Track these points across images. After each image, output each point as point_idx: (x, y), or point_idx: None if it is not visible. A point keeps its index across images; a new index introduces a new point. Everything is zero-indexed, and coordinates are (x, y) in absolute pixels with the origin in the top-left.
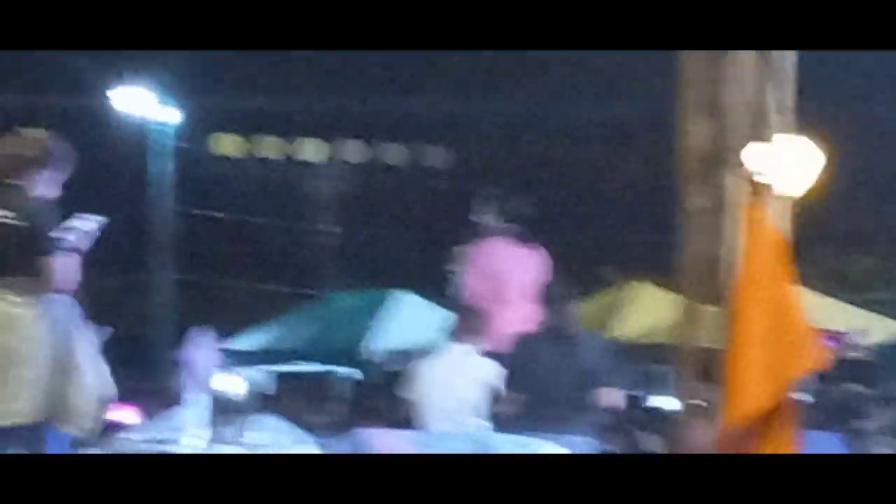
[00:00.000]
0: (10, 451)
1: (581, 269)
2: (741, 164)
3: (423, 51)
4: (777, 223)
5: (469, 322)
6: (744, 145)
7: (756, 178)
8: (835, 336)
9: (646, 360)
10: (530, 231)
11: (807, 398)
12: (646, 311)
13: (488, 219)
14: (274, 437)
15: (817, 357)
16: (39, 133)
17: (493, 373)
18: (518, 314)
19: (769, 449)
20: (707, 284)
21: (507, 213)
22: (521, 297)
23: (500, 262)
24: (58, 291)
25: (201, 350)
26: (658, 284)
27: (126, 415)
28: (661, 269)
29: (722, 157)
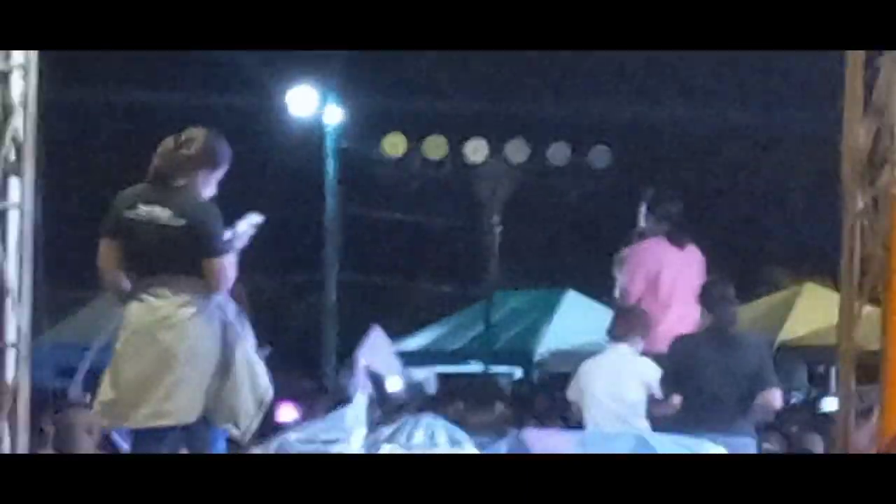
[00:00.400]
0: (169, 450)
1: (747, 271)
2: None
3: (581, 51)
4: None
5: (630, 323)
6: None
7: None
8: None
9: (810, 362)
10: (687, 232)
11: None
12: (811, 312)
13: (646, 220)
14: (433, 437)
15: None
16: (200, 132)
17: (654, 374)
18: (677, 315)
19: None
20: (868, 285)
21: (663, 214)
22: (680, 298)
23: (658, 263)
24: (218, 292)
25: (376, 350)
26: (823, 285)
27: (287, 414)
28: (826, 271)
29: (884, 158)
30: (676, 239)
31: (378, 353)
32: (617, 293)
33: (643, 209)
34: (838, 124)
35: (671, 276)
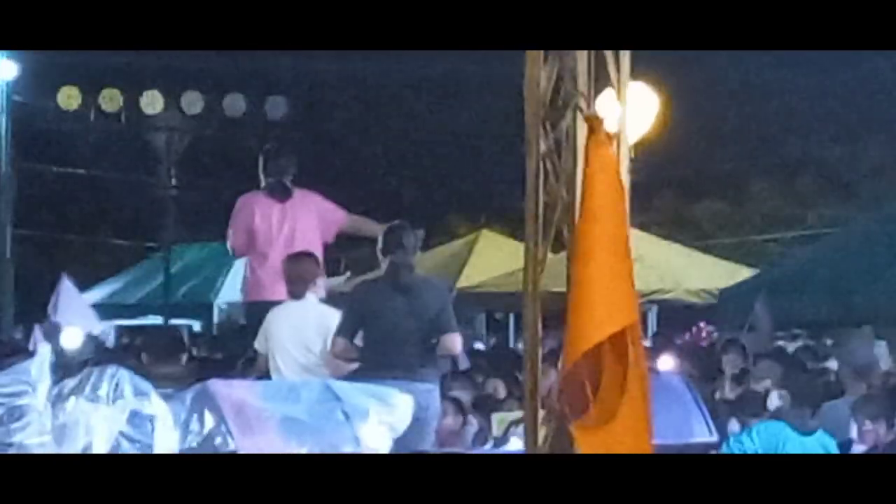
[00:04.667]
0: None
1: (425, 218)
2: (582, 108)
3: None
4: (618, 166)
5: (298, 270)
6: (585, 90)
7: (596, 122)
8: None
9: (488, 308)
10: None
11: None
12: (488, 259)
13: (263, 175)
14: (118, 388)
15: (633, 311)
16: None
17: (335, 322)
18: (275, 264)
19: (612, 393)
20: (549, 229)
21: (274, 169)
22: (281, 246)
23: (251, 215)
24: None
25: (68, 304)
26: (500, 232)
27: None
28: (502, 218)
29: (565, 101)
30: (275, 191)
31: (70, 305)
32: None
33: (260, 165)
34: (521, 67)
35: (265, 227)
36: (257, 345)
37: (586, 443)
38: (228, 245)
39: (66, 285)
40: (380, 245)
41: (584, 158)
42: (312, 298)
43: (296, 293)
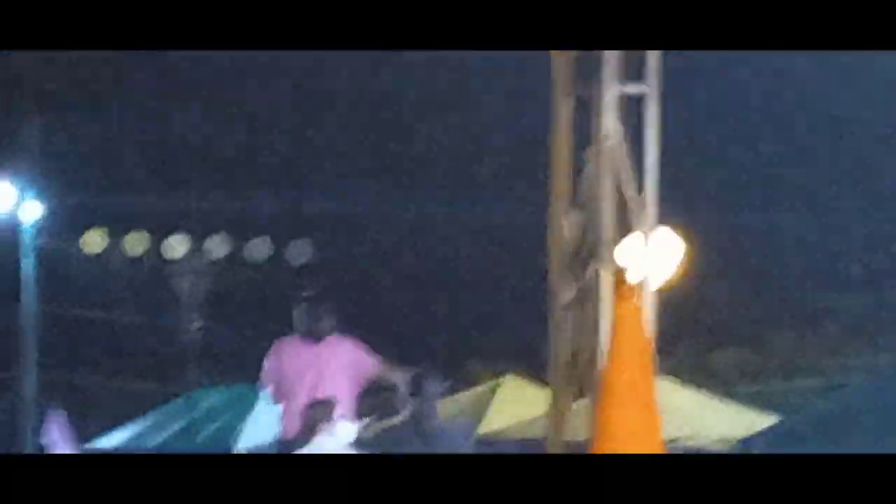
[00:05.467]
0: None
1: (448, 364)
2: (608, 257)
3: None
4: (642, 315)
5: (315, 416)
6: (609, 238)
7: (621, 270)
8: None
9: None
10: (356, 329)
11: None
12: (511, 404)
13: (298, 317)
14: None
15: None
16: None
17: None
18: (302, 405)
19: None
20: (574, 376)
21: (309, 315)
22: (307, 389)
23: (283, 357)
24: None
25: (57, 433)
26: (524, 377)
27: None
28: (527, 364)
29: (590, 251)
30: (310, 336)
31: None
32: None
33: (296, 311)
34: (545, 217)
35: (294, 371)
36: None
37: None
38: (261, 387)
39: (56, 416)
40: (402, 391)
41: (612, 312)
42: (329, 443)
43: (310, 438)
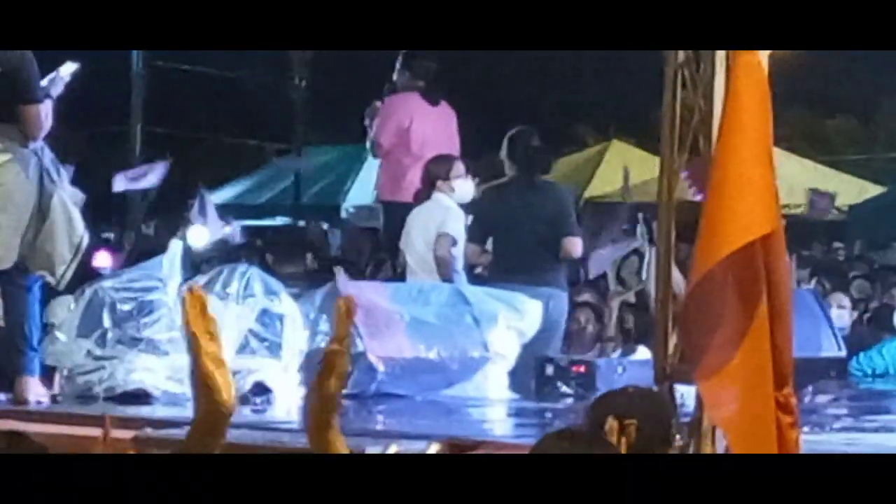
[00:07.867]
0: None
1: (555, 127)
2: None
3: None
4: (764, 75)
5: (436, 170)
6: None
7: None
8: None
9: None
10: (441, 91)
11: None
12: (618, 169)
13: (400, 75)
14: (248, 286)
15: (775, 220)
16: None
17: (460, 225)
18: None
19: (731, 334)
20: (686, 137)
21: (419, 70)
22: (433, 152)
23: (409, 116)
24: (34, 139)
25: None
26: (630, 143)
27: (103, 260)
28: (633, 129)
29: None
30: (429, 95)
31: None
32: (368, 144)
33: (398, 64)
34: None
35: (422, 130)
36: (402, 244)
37: (705, 388)
38: (372, 142)
39: (206, 198)
40: (504, 151)
41: (729, 67)
42: (444, 200)
43: (428, 194)
